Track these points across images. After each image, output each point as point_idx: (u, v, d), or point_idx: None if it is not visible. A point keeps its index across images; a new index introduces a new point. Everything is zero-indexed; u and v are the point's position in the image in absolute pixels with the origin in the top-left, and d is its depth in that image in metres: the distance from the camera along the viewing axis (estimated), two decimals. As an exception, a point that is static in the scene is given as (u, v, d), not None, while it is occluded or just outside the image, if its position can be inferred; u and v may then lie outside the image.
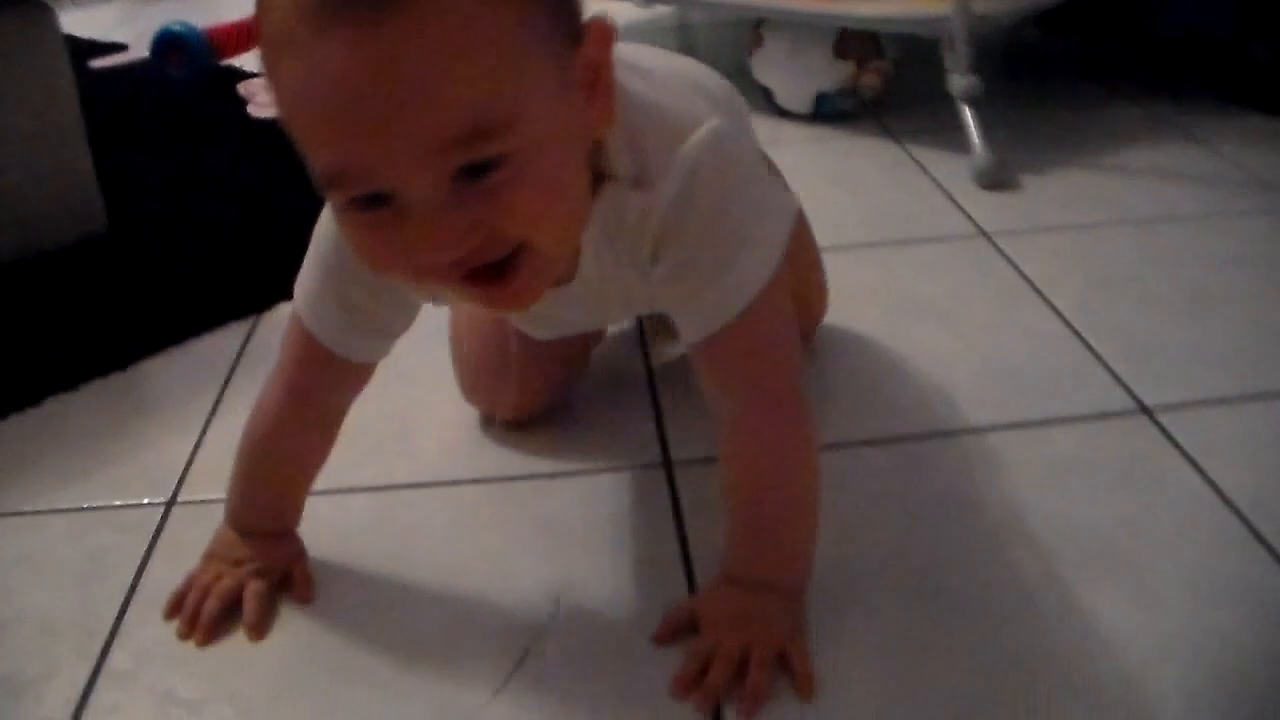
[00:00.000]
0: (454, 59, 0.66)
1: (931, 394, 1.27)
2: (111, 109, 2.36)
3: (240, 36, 2.66)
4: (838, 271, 1.38)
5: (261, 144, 2.14)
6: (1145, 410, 1.22)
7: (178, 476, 1.21)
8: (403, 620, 0.99)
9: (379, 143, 0.67)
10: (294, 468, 1.06)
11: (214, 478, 1.16)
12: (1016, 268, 1.56)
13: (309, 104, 0.68)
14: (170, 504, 1.16)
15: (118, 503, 1.18)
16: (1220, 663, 0.89)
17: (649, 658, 0.93)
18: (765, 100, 2.22)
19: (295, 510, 1.07)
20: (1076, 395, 1.25)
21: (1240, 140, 1.99)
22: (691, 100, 0.91)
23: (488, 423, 1.28)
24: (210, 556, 1.04)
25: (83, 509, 1.17)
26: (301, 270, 0.96)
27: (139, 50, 2.78)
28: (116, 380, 1.42)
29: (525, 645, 0.95)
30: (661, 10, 2.80)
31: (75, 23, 3.05)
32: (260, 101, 2.36)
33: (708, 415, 0.96)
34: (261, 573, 1.02)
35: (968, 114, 1.89)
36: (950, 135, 1.94)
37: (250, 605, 0.99)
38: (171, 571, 1.05)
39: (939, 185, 1.87)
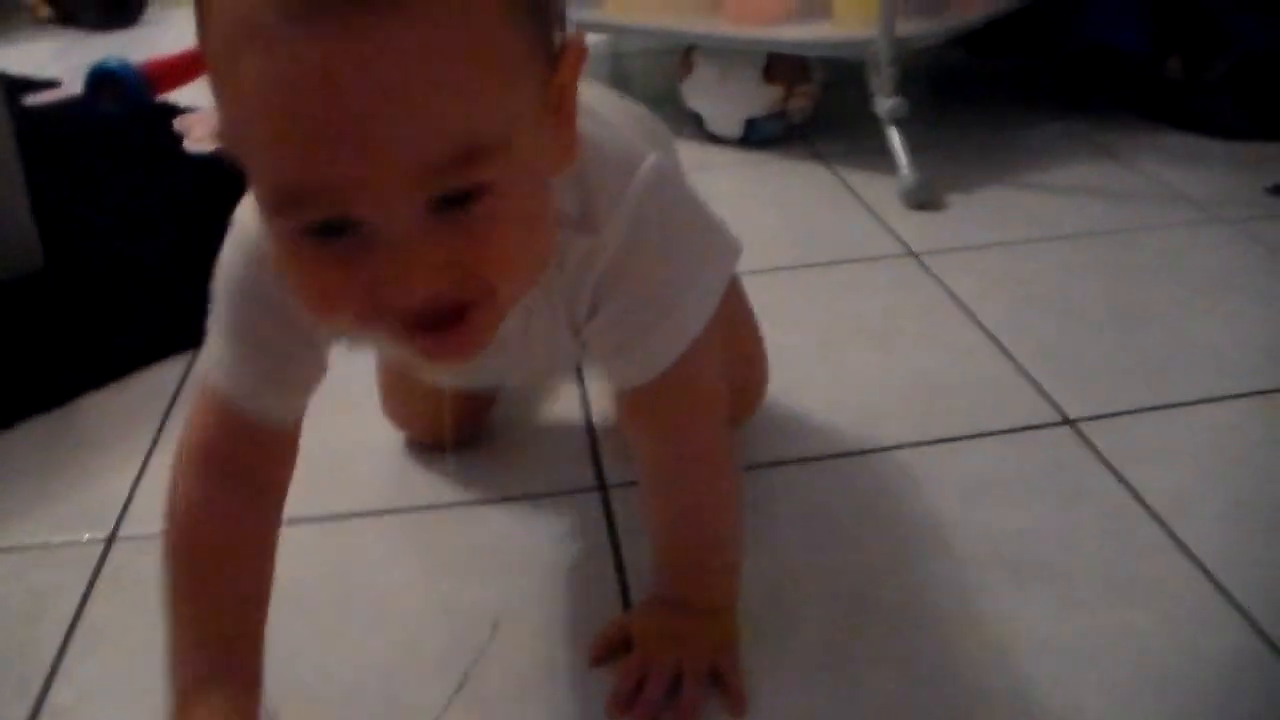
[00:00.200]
0: (451, 65, 0.58)
1: (861, 411, 1.30)
2: (46, 145, 2.35)
3: (175, 71, 2.66)
4: (769, 293, 1.40)
5: (198, 179, 2.13)
6: (1068, 421, 1.25)
7: (117, 512, 1.21)
8: (342, 649, 1.00)
9: (357, 160, 0.57)
10: (244, 574, 0.87)
11: (154, 513, 1.16)
12: (944, 285, 1.59)
13: (275, 106, 0.57)
14: (110, 540, 1.17)
15: (57, 540, 1.18)
16: (1141, 665, 0.92)
17: (587, 678, 0.94)
18: (696, 126, 2.25)
19: (254, 650, 0.85)
20: (1002, 409, 1.28)
21: (1157, 156, 2.04)
22: (631, 134, 0.88)
23: (411, 446, 1.29)
24: None
25: (22, 547, 1.17)
26: (205, 342, 0.84)
27: (73, 86, 2.78)
28: (55, 416, 1.41)
29: (465, 670, 0.96)
30: (594, 38, 2.83)
31: (8, 59, 3.04)
32: (196, 136, 2.36)
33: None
34: None
35: (894, 135, 1.93)
36: (878, 157, 1.97)
37: None
38: (112, 607, 1.06)
39: (867, 206, 1.90)
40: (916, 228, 1.81)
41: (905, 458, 1.21)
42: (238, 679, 0.83)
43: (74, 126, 2.60)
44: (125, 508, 1.22)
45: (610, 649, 0.96)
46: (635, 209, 0.80)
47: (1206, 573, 1.01)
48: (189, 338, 1.52)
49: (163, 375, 1.49)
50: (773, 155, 2.17)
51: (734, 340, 1.11)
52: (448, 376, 1.06)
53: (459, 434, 1.23)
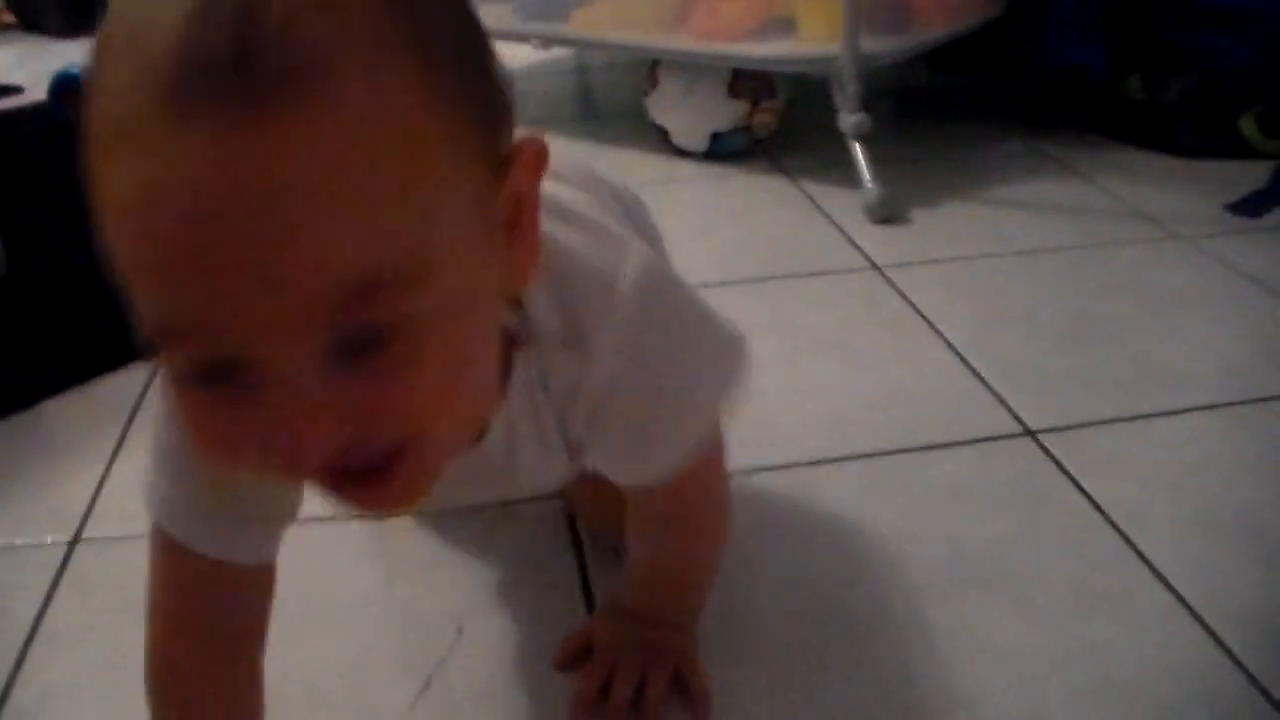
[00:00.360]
0: (354, 175, 0.48)
1: (824, 421, 1.31)
2: (8, 152, 2.34)
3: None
4: (732, 305, 1.40)
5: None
6: (1029, 433, 1.26)
7: (81, 515, 1.20)
8: (307, 653, 0.99)
9: (238, 292, 0.47)
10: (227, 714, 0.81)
11: (119, 516, 1.16)
12: (906, 299, 1.60)
13: (144, 223, 0.48)
14: (74, 542, 1.16)
15: (20, 542, 1.17)
16: (1102, 673, 0.93)
17: (551, 682, 0.95)
18: (661, 140, 2.26)
19: None
20: (963, 420, 1.29)
21: (1118, 173, 2.06)
22: (609, 225, 0.77)
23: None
24: None
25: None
26: (146, 477, 0.74)
27: (36, 93, 2.75)
28: (17, 421, 1.41)
29: (429, 673, 0.96)
30: (559, 52, 2.84)
31: (-32, 65, 3.03)
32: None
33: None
34: None
35: (858, 151, 1.94)
36: (842, 172, 1.99)
37: None
38: (74, 609, 1.05)
39: (831, 220, 1.91)
40: (880, 242, 1.82)
41: (867, 467, 1.22)
42: None
43: (37, 133, 2.58)
44: (88, 511, 1.21)
45: (574, 655, 0.96)
46: (627, 324, 0.71)
47: (1166, 584, 1.03)
48: (154, 344, 1.54)
49: (127, 381, 1.48)
50: (737, 169, 2.19)
51: None
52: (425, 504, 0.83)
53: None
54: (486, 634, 1.01)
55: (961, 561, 1.06)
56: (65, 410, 1.43)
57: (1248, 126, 2.07)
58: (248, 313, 0.48)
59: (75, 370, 1.50)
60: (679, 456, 0.79)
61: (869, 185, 1.90)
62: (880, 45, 1.98)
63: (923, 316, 1.55)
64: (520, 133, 0.61)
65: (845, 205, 1.95)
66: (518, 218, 0.60)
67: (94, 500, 1.23)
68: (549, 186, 0.64)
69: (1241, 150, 2.07)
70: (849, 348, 1.48)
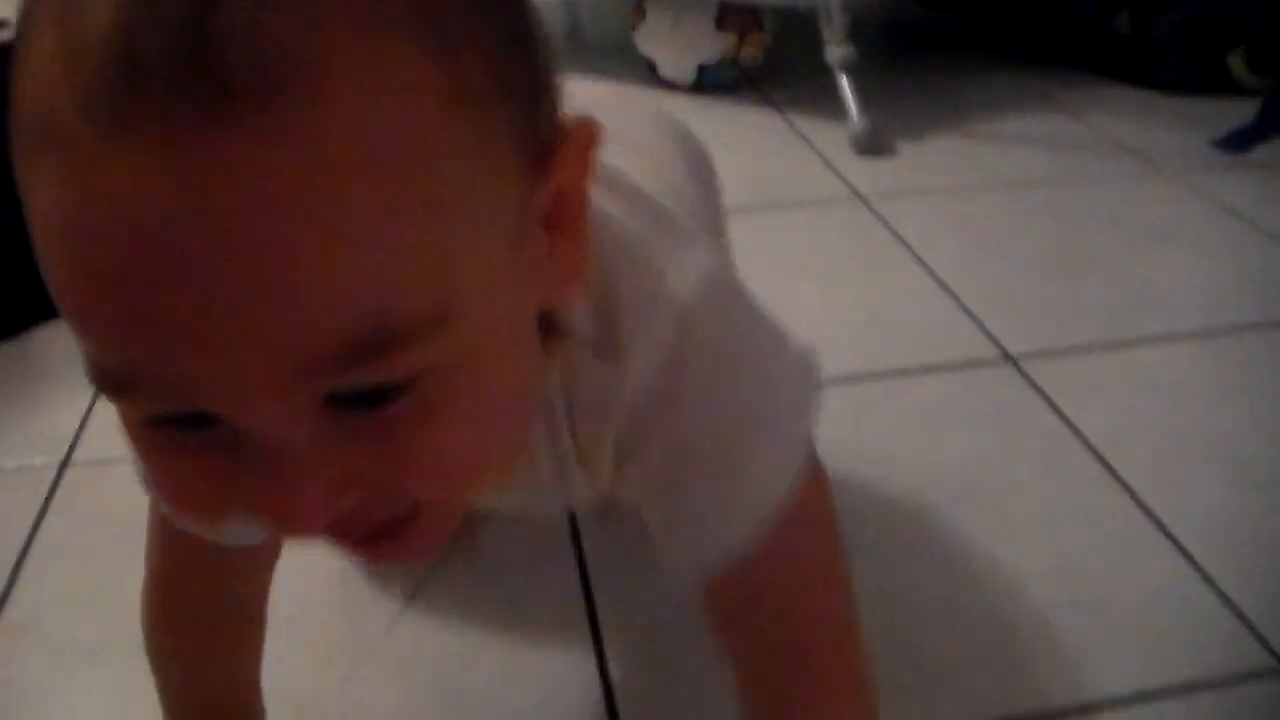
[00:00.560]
0: (353, 201, 0.37)
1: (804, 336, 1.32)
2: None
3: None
4: (719, 233, 1.43)
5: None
6: (1009, 358, 1.28)
7: (70, 439, 1.21)
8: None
9: (199, 348, 0.37)
10: (227, 657, 0.78)
11: (108, 440, 1.17)
12: (890, 228, 1.61)
13: (78, 253, 0.37)
14: (64, 465, 1.17)
15: (11, 464, 1.18)
16: (1075, 585, 0.95)
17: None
18: (649, 72, 2.26)
19: (254, 693, 0.80)
20: (944, 345, 1.31)
21: (1104, 108, 2.07)
22: (667, 206, 0.62)
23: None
24: None
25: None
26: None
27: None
28: (5, 348, 1.42)
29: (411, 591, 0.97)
30: (548, -14, 2.83)
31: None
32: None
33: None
34: None
35: (844, 83, 1.94)
36: (829, 104, 1.99)
37: None
38: (66, 528, 1.07)
39: (817, 152, 1.92)
40: (865, 173, 1.83)
41: (847, 390, 1.23)
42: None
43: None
44: (78, 434, 1.22)
45: None
46: (672, 333, 0.56)
47: (1139, 502, 1.04)
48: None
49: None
50: (724, 102, 2.18)
51: None
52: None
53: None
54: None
55: (938, 481, 1.08)
56: (53, 338, 1.44)
57: (1235, 63, 2.07)
58: (213, 372, 0.37)
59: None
60: (742, 518, 0.58)
61: (855, 117, 1.91)
62: (868, -22, 1.97)
63: (906, 245, 1.56)
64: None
65: (832, 137, 1.96)
66: (560, 217, 0.48)
67: (83, 424, 1.24)
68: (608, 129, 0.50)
69: (1229, 86, 2.07)
70: (832, 275, 1.49)
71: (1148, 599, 0.94)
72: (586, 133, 0.48)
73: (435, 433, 0.42)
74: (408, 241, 0.38)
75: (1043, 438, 1.15)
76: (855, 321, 1.37)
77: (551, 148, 0.46)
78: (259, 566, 0.74)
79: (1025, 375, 1.24)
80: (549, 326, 0.54)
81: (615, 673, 0.90)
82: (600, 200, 0.55)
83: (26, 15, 0.38)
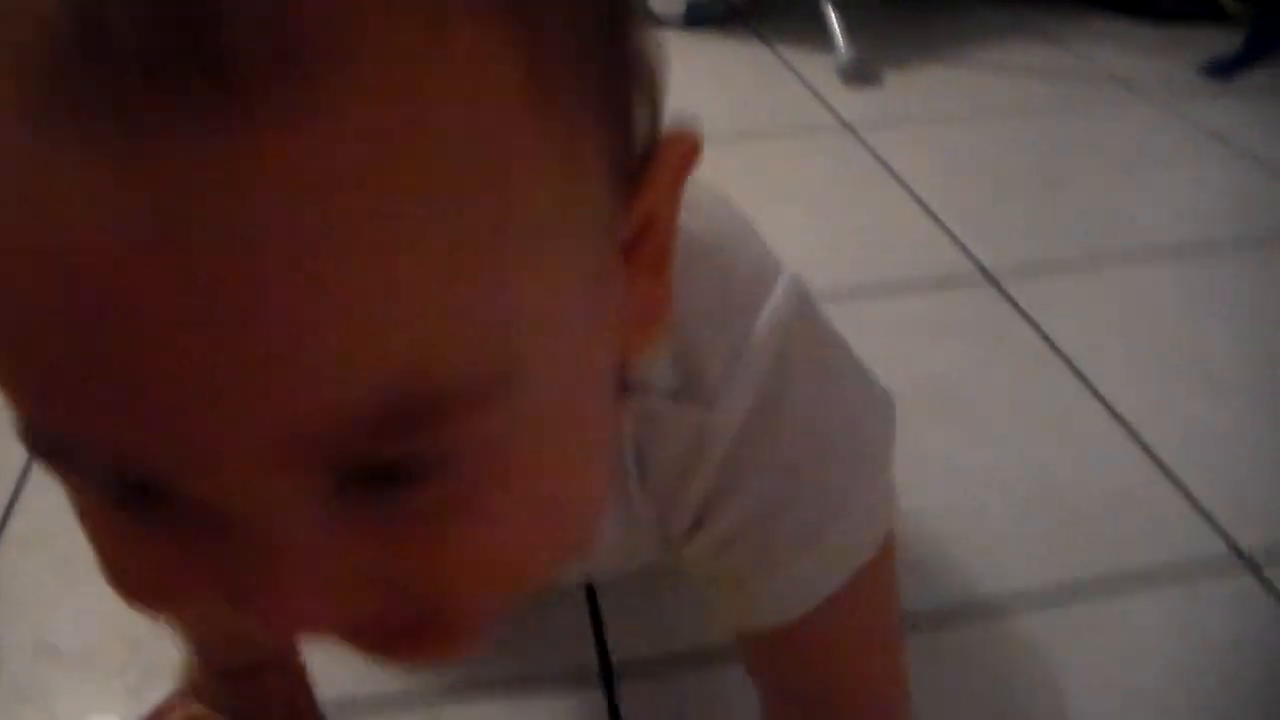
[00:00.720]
0: (390, 226, 0.27)
1: (790, 264, 1.34)
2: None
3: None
4: (704, 163, 1.45)
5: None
6: (989, 276, 1.30)
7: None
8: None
9: (168, 413, 0.27)
10: None
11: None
12: (875, 155, 1.64)
13: (8, 287, 0.27)
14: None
15: None
16: (1042, 487, 0.98)
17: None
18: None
19: None
20: (925, 262, 1.34)
21: (1091, 38, 2.09)
22: (745, 220, 0.59)
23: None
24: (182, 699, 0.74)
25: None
26: None
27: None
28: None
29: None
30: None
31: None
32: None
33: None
34: None
35: (831, 14, 1.96)
36: (818, 36, 2.00)
37: None
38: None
39: (805, 83, 1.94)
40: (853, 102, 1.84)
41: (835, 306, 1.24)
42: None
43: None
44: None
45: None
46: (769, 365, 0.49)
47: (1111, 410, 1.08)
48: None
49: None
50: (713, 35, 2.20)
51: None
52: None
53: None
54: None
55: (915, 391, 1.10)
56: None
57: (1224, -9, 2.09)
58: (180, 443, 0.28)
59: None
60: (830, 573, 0.53)
61: (841, 48, 1.93)
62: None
63: (890, 171, 1.58)
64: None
65: (819, 69, 1.97)
66: (643, 249, 0.38)
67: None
68: None
69: (1215, 15, 2.09)
70: (817, 198, 1.51)
71: (1115, 497, 0.97)
72: (685, 145, 0.38)
73: (482, 522, 0.32)
74: (459, 283, 0.28)
75: (1019, 350, 1.18)
76: (840, 242, 1.40)
77: (645, 162, 0.36)
78: None
79: (1003, 291, 1.27)
80: (621, 377, 0.43)
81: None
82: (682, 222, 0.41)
83: None
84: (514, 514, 0.33)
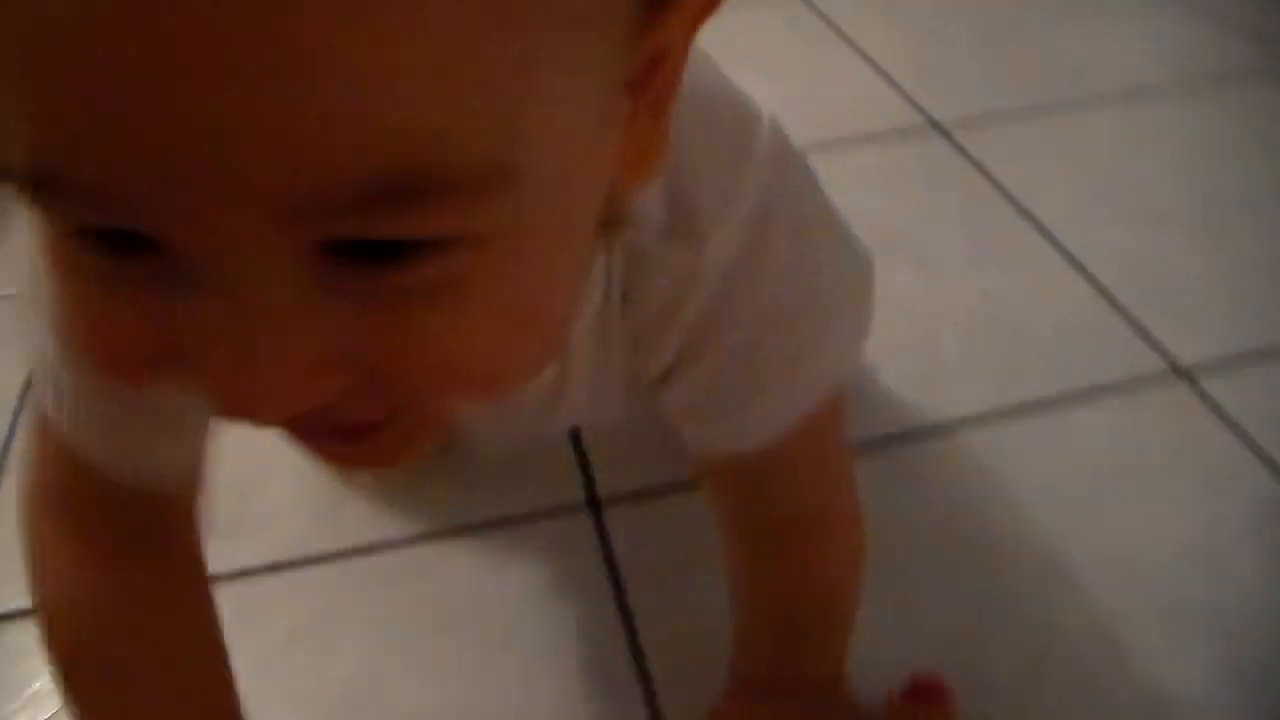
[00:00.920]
0: (406, 4, 0.25)
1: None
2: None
3: None
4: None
5: None
6: (938, 126, 1.36)
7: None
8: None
9: (156, 144, 0.26)
10: (179, 667, 0.61)
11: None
12: (822, 15, 1.68)
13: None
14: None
15: (19, 290, 1.26)
16: (992, 316, 1.05)
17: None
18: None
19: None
20: (874, 116, 1.39)
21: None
22: (721, 73, 0.56)
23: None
24: None
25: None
26: (35, 366, 0.54)
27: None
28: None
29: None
30: None
31: None
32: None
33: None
34: None
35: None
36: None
37: None
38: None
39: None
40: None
41: None
42: None
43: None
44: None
45: None
46: (758, 203, 0.50)
47: (1057, 244, 1.14)
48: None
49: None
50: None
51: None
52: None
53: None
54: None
55: (870, 238, 1.12)
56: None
57: None
58: (166, 181, 0.27)
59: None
60: (791, 406, 0.56)
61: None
62: None
63: (839, 30, 1.62)
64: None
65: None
66: (648, 85, 0.36)
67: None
68: None
69: None
70: (772, 65, 1.55)
71: (1061, 322, 1.04)
72: None
73: (460, 316, 0.32)
74: (469, 65, 0.27)
75: (968, 195, 1.24)
76: (795, 102, 1.42)
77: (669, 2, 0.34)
78: (179, 520, 0.60)
79: (952, 140, 1.33)
80: (608, 212, 0.42)
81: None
82: None
83: None
84: (488, 315, 0.33)
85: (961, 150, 1.31)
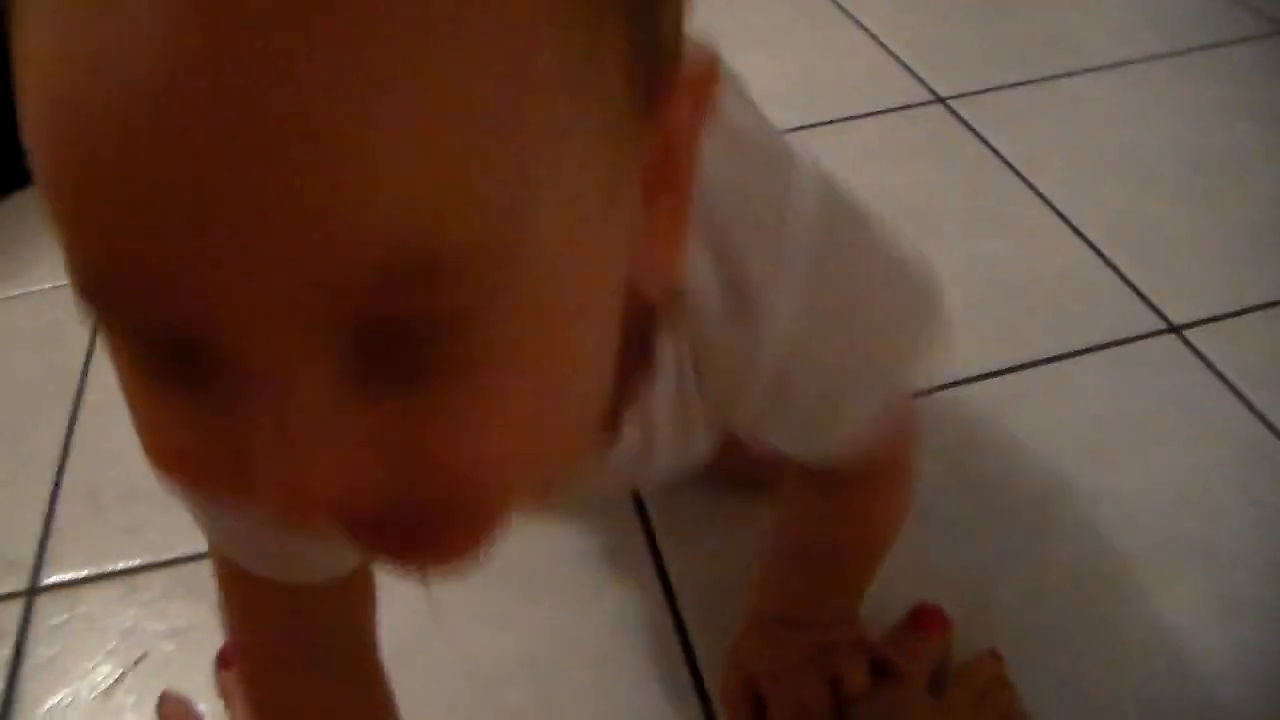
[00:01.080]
0: (433, 90, 0.28)
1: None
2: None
3: None
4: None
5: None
6: (940, 99, 1.42)
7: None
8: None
9: (217, 251, 0.28)
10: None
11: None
12: (829, -4, 1.74)
13: (65, 113, 0.28)
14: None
15: (56, 283, 1.33)
16: (996, 277, 1.11)
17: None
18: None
19: None
20: (878, 92, 1.45)
21: None
22: (762, 123, 0.59)
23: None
24: None
25: (31, 292, 1.33)
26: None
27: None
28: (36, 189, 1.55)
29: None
30: None
31: None
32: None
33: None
34: None
35: None
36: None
37: None
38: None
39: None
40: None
41: (799, 136, 1.34)
42: None
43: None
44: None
45: (740, 699, 0.80)
46: (806, 274, 0.51)
47: (1054, 209, 1.20)
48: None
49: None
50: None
51: None
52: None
53: None
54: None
55: (876, 206, 1.21)
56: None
57: None
58: (229, 285, 0.29)
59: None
60: (875, 423, 0.59)
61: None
62: None
63: (843, 9, 1.68)
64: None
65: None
66: (663, 176, 0.38)
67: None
68: None
69: None
70: (779, 44, 1.61)
71: (1057, 284, 1.10)
72: (705, 71, 0.38)
73: (481, 397, 0.33)
74: (484, 146, 0.29)
75: (969, 164, 1.30)
76: (803, 81, 1.50)
77: (666, 86, 0.36)
78: (350, 609, 0.65)
79: (954, 113, 1.38)
80: (674, 305, 0.48)
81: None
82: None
83: None
84: (520, 395, 0.34)
85: (962, 121, 1.36)
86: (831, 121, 1.40)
